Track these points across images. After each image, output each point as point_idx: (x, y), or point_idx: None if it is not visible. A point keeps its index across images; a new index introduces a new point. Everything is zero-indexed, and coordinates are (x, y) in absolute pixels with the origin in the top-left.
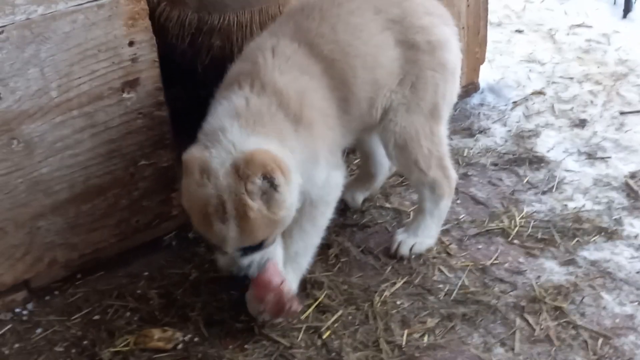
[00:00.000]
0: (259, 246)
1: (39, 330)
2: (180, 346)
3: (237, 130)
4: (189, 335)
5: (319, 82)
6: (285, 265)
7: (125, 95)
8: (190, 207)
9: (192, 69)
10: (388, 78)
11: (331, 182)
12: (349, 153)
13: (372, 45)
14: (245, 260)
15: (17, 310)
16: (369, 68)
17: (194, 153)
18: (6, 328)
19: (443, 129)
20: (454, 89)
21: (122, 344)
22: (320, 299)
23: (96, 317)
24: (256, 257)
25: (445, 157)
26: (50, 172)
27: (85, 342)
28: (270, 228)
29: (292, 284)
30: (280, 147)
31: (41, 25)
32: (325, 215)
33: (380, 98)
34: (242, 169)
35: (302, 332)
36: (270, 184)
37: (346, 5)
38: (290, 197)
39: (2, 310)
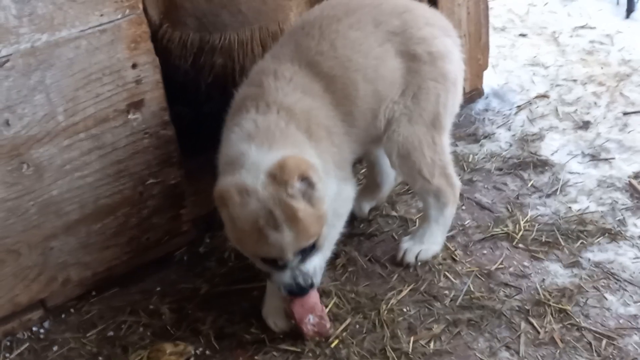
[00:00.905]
0: (313, 247)
1: (55, 348)
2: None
3: (255, 151)
4: (201, 349)
5: (322, 100)
6: None
7: (130, 116)
8: (240, 232)
9: (196, 88)
10: (390, 89)
11: (343, 195)
12: (355, 163)
13: (372, 57)
14: (308, 267)
15: (34, 328)
16: (370, 80)
17: (224, 182)
18: (24, 347)
19: (445, 139)
20: (455, 99)
21: (135, 359)
22: (328, 308)
23: (110, 333)
24: (315, 261)
25: (449, 166)
26: (60, 193)
27: (100, 358)
28: (319, 224)
29: None
30: (300, 153)
31: (45, 52)
32: (337, 228)
33: (382, 109)
34: (279, 176)
35: (310, 341)
36: (308, 184)
37: (345, 20)
38: (324, 191)
39: (19, 330)
